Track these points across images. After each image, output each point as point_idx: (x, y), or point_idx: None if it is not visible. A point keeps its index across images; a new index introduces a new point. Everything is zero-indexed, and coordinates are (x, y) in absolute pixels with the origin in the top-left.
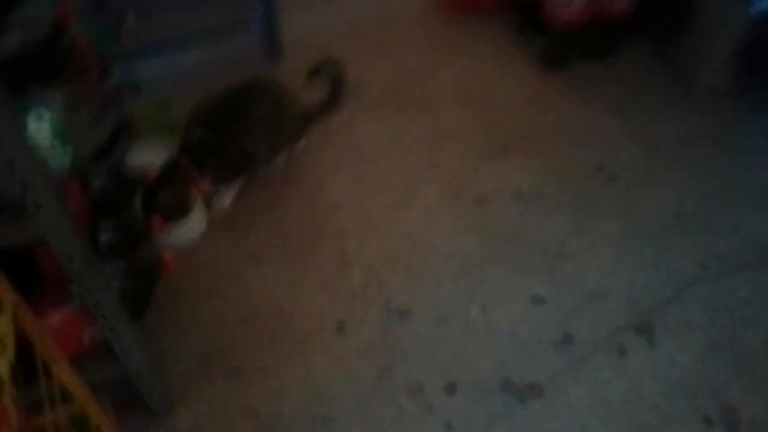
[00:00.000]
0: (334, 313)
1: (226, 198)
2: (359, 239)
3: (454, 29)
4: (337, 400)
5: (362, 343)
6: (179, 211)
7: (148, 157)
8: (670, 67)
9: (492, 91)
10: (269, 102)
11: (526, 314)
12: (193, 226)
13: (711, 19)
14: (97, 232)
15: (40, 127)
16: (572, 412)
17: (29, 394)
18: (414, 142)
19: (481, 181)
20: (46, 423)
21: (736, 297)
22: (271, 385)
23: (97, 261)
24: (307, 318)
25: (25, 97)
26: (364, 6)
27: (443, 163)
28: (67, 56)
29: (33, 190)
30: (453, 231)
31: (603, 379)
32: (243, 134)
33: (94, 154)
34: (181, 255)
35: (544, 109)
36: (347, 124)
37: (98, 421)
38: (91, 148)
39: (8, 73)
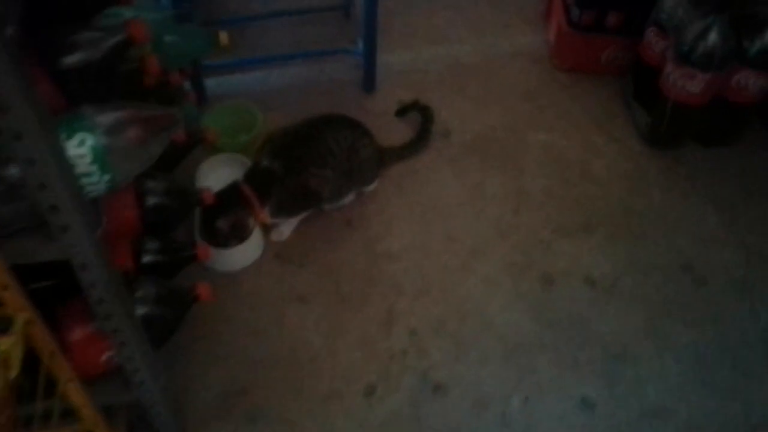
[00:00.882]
0: (366, 375)
1: (285, 231)
2: (410, 298)
3: (560, 87)
4: None
5: (389, 413)
6: (235, 238)
7: (217, 177)
8: None
9: (586, 161)
10: (344, 142)
11: (571, 417)
12: (245, 255)
13: None
14: (142, 252)
15: (80, 153)
16: None
17: (34, 409)
18: (489, 204)
19: (552, 259)
20: None
21: None
22: None
23: (122, 288)
24: (338, 374)
25: (73, 120)
26: (467, 51)
27: (516, 231)
28: (129, 78)
29: (61, 213)
30: (511, 308)
31: None
32: (309, 171)
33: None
34: (224, 282)
35: (639, 191)
36: (424, 172)
37: None
38: (135, 172)
39: (61, 95)
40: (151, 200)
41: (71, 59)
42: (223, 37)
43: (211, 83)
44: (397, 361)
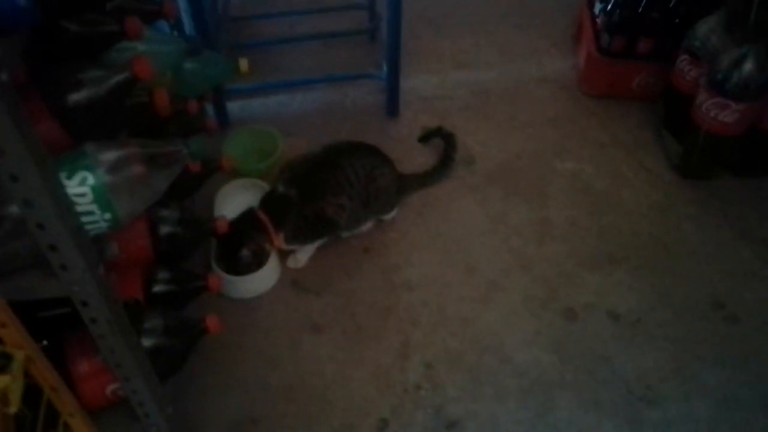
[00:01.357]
0: (379, 408)
1: (301, 258)
2: (427, 330)
3: (588, 113)
4: None
5: None
6: (250, 264)
7: (236, 202)
8: None
9: (614, 192)
10: (362, 170)
11: None
12: (260, 282)
13: None
14: (153, 282)
15: (81, 191)
16: None
17: None
18: (512, 234)
19: (576, 293)
20: None
21: None
22: None
23: (126, 322)
24: (350, 406)
25: (75, 158)
26: (493, 76)
27: (539, 263)
28: (139, 111)
29: (60, 252)
30: (531, 343)
31: None
32: (326, 199)
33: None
34: (239, 309)
35: (668, 223)
36: (446, 200)
37: None
38: (139, 210)
39: (66, 132)
40: (164, 229)
41: (76, 97)
42: (243, 63)
43: (233, 107)
44: (411, 395)
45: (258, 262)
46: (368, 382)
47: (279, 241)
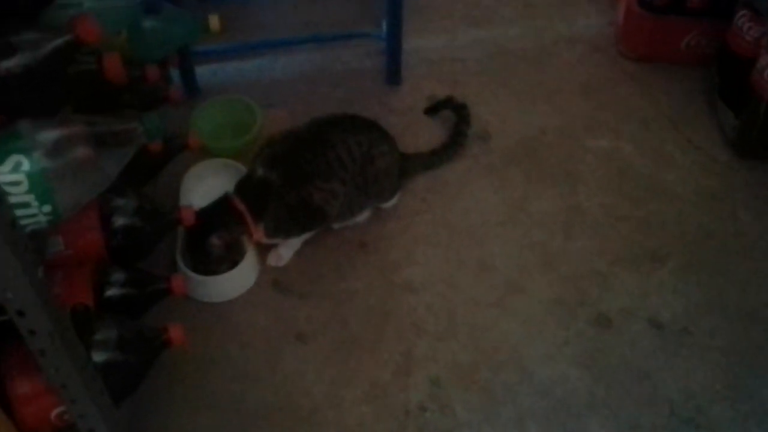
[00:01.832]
0: None
1: (284, 254)
2: (432, 340)
3: (627, 80)
4: None
5: None
6: (223, 262)
7: (207, 188)
8: None
9: (657, 174)
10: (357, 148)
11: None
12: (235, 283)
13: None
14: (105, 284)
15: (14, 179)
16: None
17: None
18: (535, 225)
19: (610, 296)
20: None
21: None
22: None
23: (72, 335)
24: None
25: (7, 140)
26: (514, 35)
27: (566, 260)
28: (85, 81)
29: None
30: (556, 355)
31: None
32: (314, 184)
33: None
34: (210, 315)
35: (722, 212)
36: (456, 184)
37: None
38: (85, 200)
39: None
40: (119, 221)
41: (7, 64)
42: (214, 20)
43: (203, 73)
44: (414, 419)
45: (230, 258)
46: (363, 402)
47: (259, 233)
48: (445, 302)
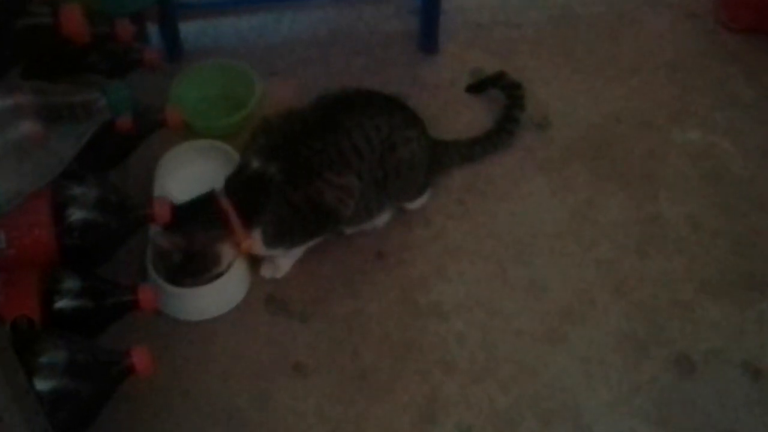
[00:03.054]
0: None
1: (282, 265)
2: (464, 381)
3: (727, 57)
4: None
5: None
6: (204, 272)
7: (188, 177)
8: None
9: (762, 180)
10: (376, 134)
11: None
12: (219, 299)
13: None
14: (55, 294)
15: None
16: None
17: None
18: (602, 239)
19: (695, 332)
20: None
21: None
22: None
23: (10, 355)
24: None
25: None
26: None
27: (640, 284)
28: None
29: None
30: (622, 406)
31: None
32: (324, 178)
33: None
34: (186, 337)
35: None
36: (503, 183)
37: None
38: (33, 187)
39: None
40: (75, 214)
41: None
42: None
43: (188, 31)
44: None
45: (212, 268)
46: None
47: (250, 242)
48: (482, 332)
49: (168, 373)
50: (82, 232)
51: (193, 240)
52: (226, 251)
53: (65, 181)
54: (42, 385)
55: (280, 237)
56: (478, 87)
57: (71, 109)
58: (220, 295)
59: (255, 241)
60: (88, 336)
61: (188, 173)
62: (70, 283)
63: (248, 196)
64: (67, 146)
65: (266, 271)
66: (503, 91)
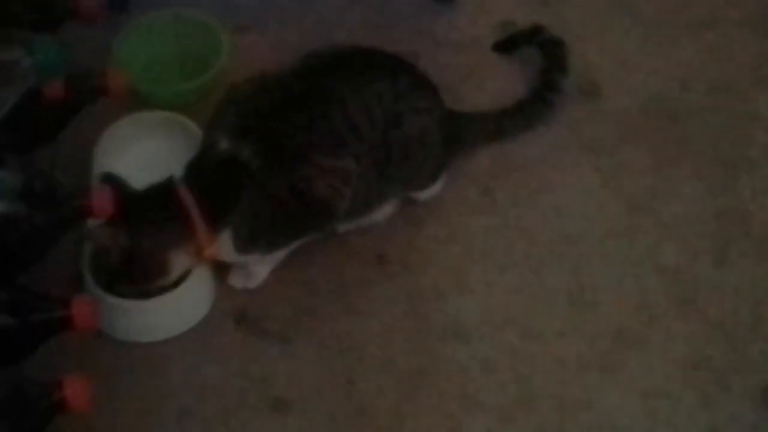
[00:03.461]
0: None
1: (257, 273)
2: (492, 419)
3: None
4: None
5: None
6: (155, 281)
7: (137, 158)
8: None
9: None
10: (377, 104)
11: None
12: (175, 315)
13: None
14: None
15: None
16: None
17: None
18: (667, 238)
19: None
20: None
21: None
22: None
23: None
24: None
25: None
26: None
27: (716, 297)
28: None
29: None
30: None
31: None
32: (312, 161)
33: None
34: (133, 362)
35: None
36: (539, 167)
37: None
38: None
39: None
40: None
41: None
42: None
43: None
44: None
45: (165, 276)
46: None
47: (218, 246)
48: (514, 359)
49: (109, 410)
50: (2, 231)
51: (139, 239)
52: (180, 259)
53: None
54: None
55: (255, 239)
56: (509, 45)
57: None
58: (176, 311)
59: (223, 246)
60: (9, 362)
61: (136, 154)
62: None
63: (215, 187)
64: None
65: (236, 280)
66: (540, 50)
